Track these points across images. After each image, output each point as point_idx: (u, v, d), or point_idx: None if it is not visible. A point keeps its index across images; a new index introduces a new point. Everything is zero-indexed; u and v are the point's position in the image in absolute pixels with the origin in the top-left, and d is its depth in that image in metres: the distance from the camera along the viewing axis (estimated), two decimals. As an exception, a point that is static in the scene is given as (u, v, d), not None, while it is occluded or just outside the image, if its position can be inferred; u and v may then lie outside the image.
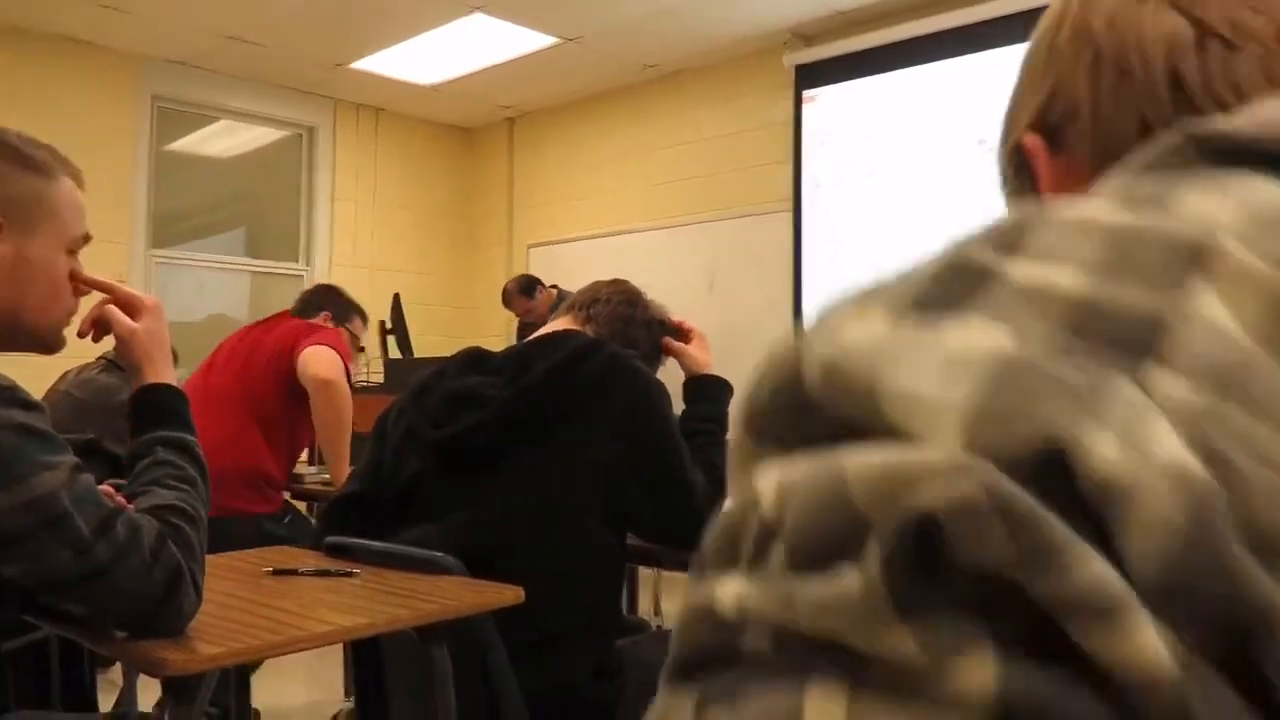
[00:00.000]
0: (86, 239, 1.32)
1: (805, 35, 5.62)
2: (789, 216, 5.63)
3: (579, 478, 1.70)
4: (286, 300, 3.55)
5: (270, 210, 7.02)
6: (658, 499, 1.77)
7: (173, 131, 6.46)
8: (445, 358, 1.96)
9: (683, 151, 6.34)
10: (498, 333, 6.68)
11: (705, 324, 2.21)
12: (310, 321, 3.24)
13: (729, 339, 3.98)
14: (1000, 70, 4.82)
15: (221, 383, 3.05)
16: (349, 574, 1.62)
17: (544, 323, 2.09)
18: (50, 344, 1.30)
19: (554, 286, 5.53)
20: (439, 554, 1.61)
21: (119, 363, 3.02)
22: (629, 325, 1.99)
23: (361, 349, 3.52)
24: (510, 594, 1.52)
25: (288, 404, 3.04)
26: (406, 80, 6.50)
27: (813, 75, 5.58)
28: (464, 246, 7.66)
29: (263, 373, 3.05)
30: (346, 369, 3.08)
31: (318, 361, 2.97)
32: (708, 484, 1.82)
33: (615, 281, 2.07)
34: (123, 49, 5.94)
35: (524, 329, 5.70)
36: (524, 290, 5.60)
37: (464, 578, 1.59)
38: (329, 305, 3.37)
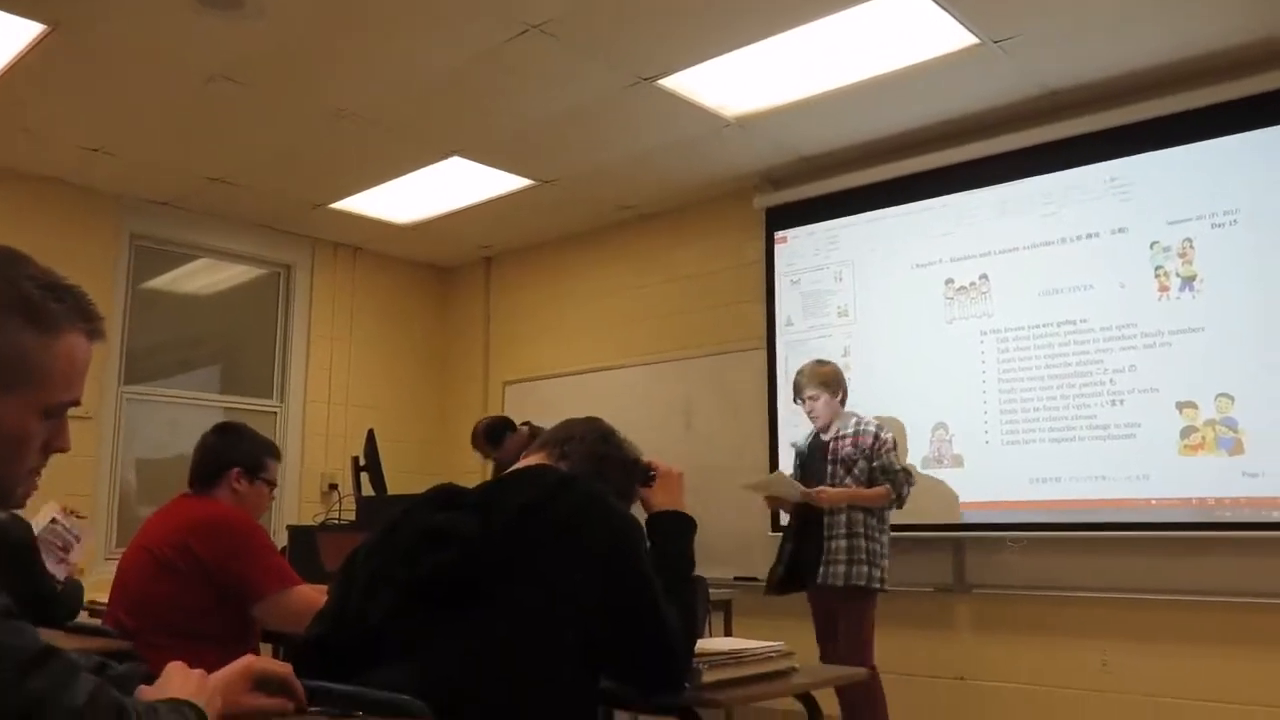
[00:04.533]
0: (75, 403, 1.20)
1: (775, 179, 5.77)
2: (763, 354, 5.69)
3: (553, 616, 1.66)
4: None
5: (246, 347, 7.03)
6: (634, 638, 1.74)
7: (150, 269, 6.51)
8: (417, 495, 1.94)
9: (657, 290, 6.42)
10: (472, 469, 6.62)
11: (682, 460, 2.20)
12: (208, 506, 2.77)
13: (705, 476, 3.97)
14: (961, 213, 4.95)
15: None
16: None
17: (514, 463, 2.07)
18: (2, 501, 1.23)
19: (525, 424, 5.47)
20: (403, 697, 1.56)
21: None
22: (602, 463, 1.98)
23: (273, 486, 3.05)
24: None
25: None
26: (384, 219, 6.61)
27: (783, 217, 5.72)
28: (440, 383, 7.68)
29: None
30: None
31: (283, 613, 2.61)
32: (681, 622, 1.79)
33: (589, 419, 2.07)
34: (104, 189, 6.03)
35: (498, 466, 5.62)
36: (490, 439, 5.49)
37: (429, 722, 1.52)
38: (235, 456, 2.89)
